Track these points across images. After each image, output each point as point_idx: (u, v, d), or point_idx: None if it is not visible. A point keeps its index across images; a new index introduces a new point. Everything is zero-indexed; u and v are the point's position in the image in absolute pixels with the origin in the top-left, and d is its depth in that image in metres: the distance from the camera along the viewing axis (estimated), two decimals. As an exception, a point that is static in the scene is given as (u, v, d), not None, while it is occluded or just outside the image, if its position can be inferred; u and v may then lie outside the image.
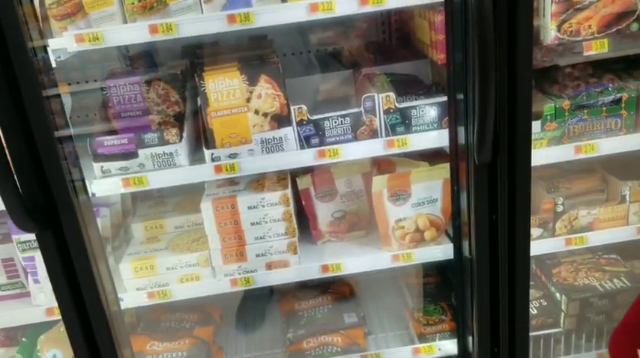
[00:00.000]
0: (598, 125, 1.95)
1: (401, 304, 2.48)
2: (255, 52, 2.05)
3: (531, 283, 1.98)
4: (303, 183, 2.15)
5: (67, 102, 2.00)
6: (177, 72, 2.02)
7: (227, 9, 1.73)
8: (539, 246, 2.08)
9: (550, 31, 1.79)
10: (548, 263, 2.44)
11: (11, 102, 1.52)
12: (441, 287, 2.43)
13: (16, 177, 1.54)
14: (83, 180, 1.78)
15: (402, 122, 1.92)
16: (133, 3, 1.74)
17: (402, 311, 2.43)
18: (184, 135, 1.91)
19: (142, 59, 2.27)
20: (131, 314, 2.39)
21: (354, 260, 2.09)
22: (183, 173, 1.90)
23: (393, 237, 2.09)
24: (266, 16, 1.71)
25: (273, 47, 2.11)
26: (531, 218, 1.80)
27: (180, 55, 2.28)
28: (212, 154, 1.89)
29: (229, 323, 2.53)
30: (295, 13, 1.71)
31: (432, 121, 1.92)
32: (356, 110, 1.91)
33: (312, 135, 1.92)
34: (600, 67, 2.07)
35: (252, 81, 1.86)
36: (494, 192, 1.74)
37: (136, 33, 1.70)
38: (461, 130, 1.79)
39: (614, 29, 1.81)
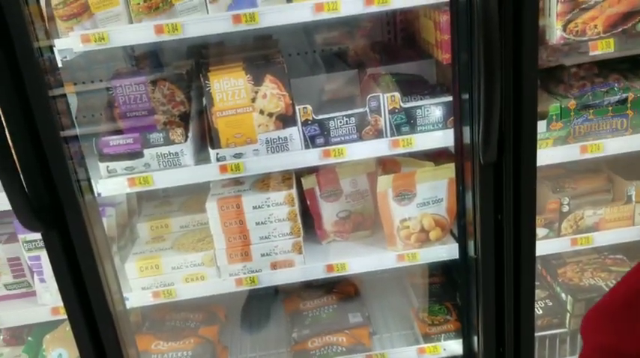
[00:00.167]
0: (604, 125, 1.94)
1: (406, 304, 2.48)
2: (260, 52, 2.06)
3: (537, 283, 1.98)
4: (308, 182, 2.15)
5: (73, 102, 2.01)
6: (183, 72, 2.03)
7: (232, 9, 1.74)
8: (544, 246, 2.08)
9: (555, 31, 1.79)
10: (553, 263, 2.43)
11: (17, 102, 1.53)
12: (446, 287, 2.43)
13: (22, 177, 1.55)
14: (89, 180, 1.79)
15: (407, 122, 1.92)
16: (139, 3, 1.75)
17: (407, 311, 2.43)
18: (190, 135, 1.91)
19: (147, 59, 2.27)
20: (136, 313, 2.40)
21: (359, 260, 2.09)
22: (188, 173, 1.91)
23: (398, 237, 2.09)
24: (271, 16, 1.71)
25: (278, 47, 2.11)
26: (537, 218, 1.80)
27: (186, 55, 2.28)
28: (217, 154, 1.89)
29: (234, 323, 2.54)
30: (300, 13, 1.71)
31: (437, 121, 1.92)
32: (361, 110, 1.91)
33: (317, 135, 1.92)
34: (606, 67, 2.07)
35: (258, 81, 1.87)
36: (500, 192, 1.74)
37: (142, 33, 1.71)
38: (466, 130, 1.79)
39: (620, 29, 1.81)
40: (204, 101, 1.90)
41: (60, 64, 1.68)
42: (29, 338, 2.23)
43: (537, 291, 2.23)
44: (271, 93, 1.88)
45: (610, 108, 1.93)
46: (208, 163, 1.91)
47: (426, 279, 2.49)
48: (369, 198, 2.21)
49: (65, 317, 1.80)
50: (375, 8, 1.72)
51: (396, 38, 2.52)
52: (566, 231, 2.11)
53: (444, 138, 1.93)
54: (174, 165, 1.90)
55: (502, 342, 1.95)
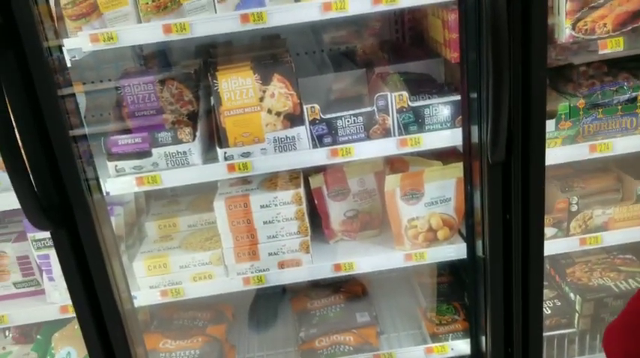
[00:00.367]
0: (613, 124, 1.93)
1: (413, 303, 2.48)
2: (268, 52, 2.06)
3: (545, 283, 1.97)
4: (315, 182, 2.15)
5: (82, 101, 2.02)
6: (191, 71, 2.04)
7: (240, 8, 1.74)
8: (553, 245, 2.07)
9: (565, 30, 1.78)
10: (562, 263, 2.42)
11: (27, 101, 1.54)
12: (453, 286, 2.42)
13: (31, 176, 1.56)
14: (97, 179, 1.80)
15: (415, 121, 1.91)
16: (147, 3, 1.75)
17: (415, 311, 2.43)
18: (198, 134, 1.91)
19: (155, 59, 2.28)
20: (144, 312, 2.40)
21: (366, 259, 2.09)
22: (196, 172, 1.91)
23: (406, 237, 2.08)
24: (279, 16, 1.71)
25: (286, 46, 2.11)
26: (545, 217, 1.80)
27: (194, 55, 2.29)
28: (225, 153, 1.90)
29: (242, 322, 2.54)
30: (308, 13, 1.71)
31: (445, 120, 1.91)
32: (369, 109, 1.91)
33: (325, 134, 1.92)
34: (615, 66, 2.06)
35: (265, 80, 1.87)
36: (508, 192, 1.73)
37: (150, 33, 1.72)
38: (474, 129, 1.78)
39: (630, 27, 1.80)
40: (212, 100, 1.90)
41: (69, 64, 1.69)
42: (38, 337, 2.25)
43: (546, 291, 2.23)
44: (279, 93, 1.88)
45: (619, 107, 1.92)
46: (216, 162, 1.91)
47: (433, 279, 2.48)
48: (376, 197, 2.20)
49: (74, 315, 1.80)
50: (382, 7, 1.72)
51: (404, 37, 2.51)
52: (574, 230, 2.10)
53: (452, 138, 1.92)
54: (182, 165, 1.91)
55: (510, 342, 1.94)
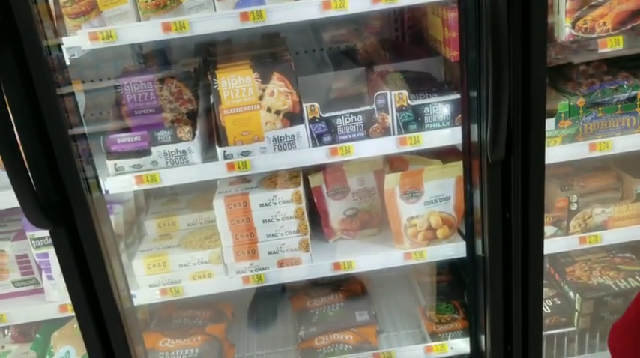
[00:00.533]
0: (613, 123, 1.93)
1: (413, 302, 2.48)
2: (267, 50, 2.06)
3: (545, 282, 1.97)
4: (315, 180, 2.15)
5: (81, 100, 2.02)
6: (190, 70, 2.03)
7: (240, 7, 1.73)
8: (552, 244, 2.07)
9: (564, 28, 1.78)
10: (561, 261, 2.42)
11: (26, 100, 1.54)
12: (453, 285, 2.42)
13: (30, 175, 1.55)
14: (97, 178, 1.80)
15: (415, 120, 1.91)
16: (147, 1, 1.75)
17: (414, 310, 2.42)
18: (197, 132, 1.91)
19: (155, 57, 2.28)
20: (144, 311, 2.40)
21: (366, 258, 2.09)
22: (195, 170, 1.91)
23: (405, 235, 2.08)
24: (278, 14, 1.70)
25: (285, 45, 2.11)
26: (545, 216, 1.79)
27: (193, 53, 2.29)
28: (224, 152, 1.89)
29: (241, 321, 2.54)
30: (308, 11, 1.71)
31: (445, 119, 1.91)
32: (368, 108, 1.91)
33: (325, 133, 1.92)
34: (615, 65, 2.06)
35: (265, 79, 1.86)
36: (508, 190, 1.73)
37: (150, 31, 1.71)
38: (474, 128, 1.78)
39: (629, 26, 1.80)
40: (212, 99, 1.90)
41: (68, 62, 1.69)
42: (37, 335, 2.25)
43: (545, 290, 2.22)
44: (278, 91, 1.88)
45: (619, 106, 1.92)
46: (215, 161, 1.91)
47: (433, 277, 2.48)
48: (376, 196, 2.20)
49: (73, 314, 1.80)
50: (382, 5, 1.72)
51: (403, 36, 2.51)
52: (574, 229, 2.10)
53: (451, 136, 1.92)
54: (182, 163, 1.90)
55: (510, 341, 1.94)
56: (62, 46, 1.67)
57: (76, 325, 1.81)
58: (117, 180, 1.87)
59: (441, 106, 1.91)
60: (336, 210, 2.19)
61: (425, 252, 2.07)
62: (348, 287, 2.48)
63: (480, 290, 1.96)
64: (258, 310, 2.56)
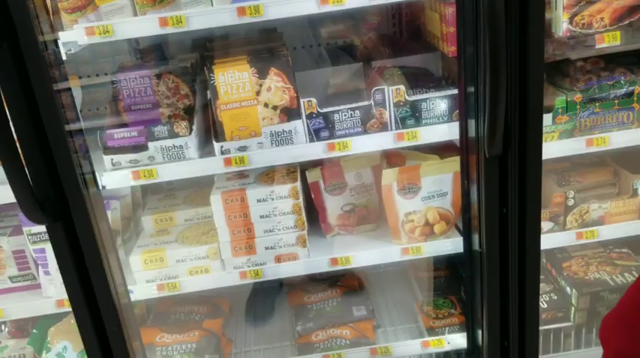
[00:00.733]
0: (610, 118, 1.93)
1: (410, 297, 2.48)
2: (265, 45, 2.05)
3: (541, 277, 1.97)
4: (312, 176, 2.15)
5: (78, 95, 2.01)
6: (188, 65, 2.03)
7: (237, 1, 1.73)
8: (549, 239, 2.07)
9: (562, 24, 1.78)
10: (558, 256, 2.43)
11: (22, 95, 1.53)
12: (450, 280, 2.43)
13: (26, 170, 1.55)
14: (93, 173, 1.79)
15: (412, 115, 1.91)
16: (143, -4, 1.74)
17: (412, 305, 2.43)
18: (194, 128, 1.91)
19: (152, 52, 2.27)
20: (141, 306, 2.40)
21: (363, 253, 2.09)
22: (193, 166, 1.91)
23: (403, 231, 2.08)
24: (276, 9, 1.70)
25: (283, 40, 2.11)
26: (542, 211, 1.80)
27: (191, 48, 2.28)
28: (222, 147, 1.89)
29: (238, 316, 2.54)
30: (305, 6, 1.71)
31: (443, 114, 1.91)
32: (366, 103, 1.91)
33: (322, 128, 1.92)
34: (612, 62, 2.05)
35: (262, 74, 1.86)
36: (505, 186, 1.73)
37: (146, 26, 1.71)
38: (471, 123, 1.78)
39: (627, 22, 1.80)
40: (209, 94, 1.89)
41: (64, 57, 1.68)
42: (34, 331, 2.24)
43: (542, 285, 2.23)
44: (276, 86, 1.87)
45: (616, 102, 1.92)
46: (213, 156, 1.91)
47: (430, 273, 2.49)
48: (373, 191, 2.20)
49: (70, 309, 1.80)
50: (380, 0, 1.71)
51: (401, 31, 2.51)
52: (571, 224, 2.11)
53: (449, 132, 1.92)
54: (179, 158, 1.90)
55: (506, 336, 1.95)
56: (58, 41, 1.66)
57: (73, 320, 1.81)
58: (114, 176, 1.87)
59: (438, 102, 1.90)
60: (333, 205, 2.19)
61: (422, 247, 2.07)
62: (346, 283, 2.48)
63: (476, 285, 1.97)
64: (255, 305, 2.57)
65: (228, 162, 1.90)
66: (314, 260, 2.09)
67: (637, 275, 2.25)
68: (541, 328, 2.02)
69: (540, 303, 2.19)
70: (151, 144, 1.88)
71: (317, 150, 1.92)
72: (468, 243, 2.02)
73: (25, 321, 2.31)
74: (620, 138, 1.93)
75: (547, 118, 1.87)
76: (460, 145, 1.92)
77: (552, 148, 1.90)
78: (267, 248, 2.08)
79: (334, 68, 2.26)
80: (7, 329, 2.36)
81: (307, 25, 2.41)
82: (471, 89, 1.72)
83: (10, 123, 1.51)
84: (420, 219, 2.07)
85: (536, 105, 1.63)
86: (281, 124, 1.90)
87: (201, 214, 2.27)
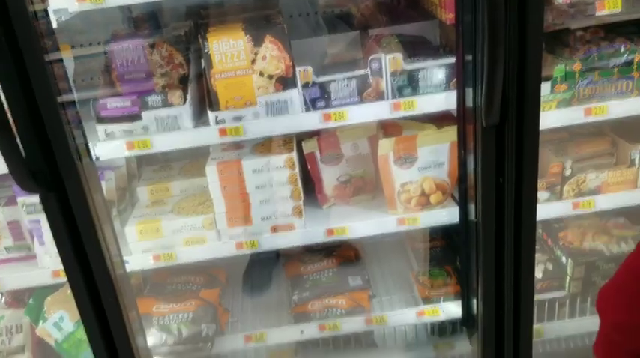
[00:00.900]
0: (609, 87, 1.91)
1: (406, 267, 2.49)
2: (260, 13, 2.01)
3: (537, 247, 1.98)
4: (308, 146, 2.14)
5: (71, 65, 1.98)
6: (181, 33, 2.00)
7: (230, -33, 1.69)
8: (545, 209, 2.07)
9: (562, -10, 1.75)
10: (554, 226, 2.43)
11: (13, 66, 1.50)
12: (446, 250, 2.43)
13: (18, 141, 1.53)
14: (87, 144, 1.77)
15: (409, 84, 1.89)
16: (135, -39, 1.70)
17: (407, 275, 2.44)
18: (188, 97, 1.89)
19: (145, 21, 2.23)
20: (137, 276, 2.41)
21: (359, 224, 2.09)
22: (187, 136, 1.89)
23: (399, 201, 2.08)
24: (270, -25, 1.66)
25: (278, 8, 2.07)
26: (539, 181, 1.79)
27: (185, 16, 2.24)
28: (216, 117, 1.87)
29: (235, 286, 2.55)
30: (301, -28, 1.67)
31: (440, 83, 1.89)
32: (362, 72, 1.88)
33: (318, 98, 1.89)
34: (612, 32, 2.03)
35: (257, 42, 1.83)
36: (502, 155, 1.72)
37: (138, -8, 1.67)
38: (469, 92, 1.76)
39: (628, -12, 1.77)
40: (203, 63, 1.86)
41: (55, 25, 1.65)
42: (30, 301, 2.25)
43: (537, 255, 2.23)
44: (271, 55, 1.84)
45: (615, 70, 1.90)
46: (207, 126, 1.89)
47: (426, 243, 2.49)
48: (370, 162, 2.19)
49: (66, 279, 1.80)
50: (377, -34, 1.68)
51: (398, -1, 2.47)
52: (567, 194, 2.10)
53: (446, 101, 1.90)
54: (173, 128, 1.88)
55: (501, 305, 1.96)
56: (49, 9, 1.62)
57: (69, 290, 1.81)
58: (107, 146, 1.85)
59: (435, 70, 1.88)
60: (329, 176, 2.18)
61: (418, 217, 2.07)
62: (342, 253, 2.49)
63: (472, 255, 1.97)
64: (252, 276, 2.58)
65: (223, 132, 1.88)
66: (310, 230, 2.09)
67: (633, 245, 2.26)
68: (536, 297, 2.03)
69: (535, 273, 2.19)
70: (144, 114, 1.86)
71: (313, 120, 1.90)
72: (464, 213, 2.01)
73: (21, 291, 2.31)
74: (618, 108, 1.91)
75: (545, 87, 1.85)
76: (457, 115, 1.89)
77: (550, 118, 1.89)
78: (263, 218, 2.07)
79: (331, 37, 2.23)
80: (3, 300, 2.37)
81: (304, -8, 2.37)
82: (469, 57, 1.69)
83: (1, 93, 1.49)
84: (417, 190, 2.06)
85: (535, 73, 1.60)
86: (276, 94, 1.88)
87: (197, 185, 2.26)
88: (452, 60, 1.85)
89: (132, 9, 2.24)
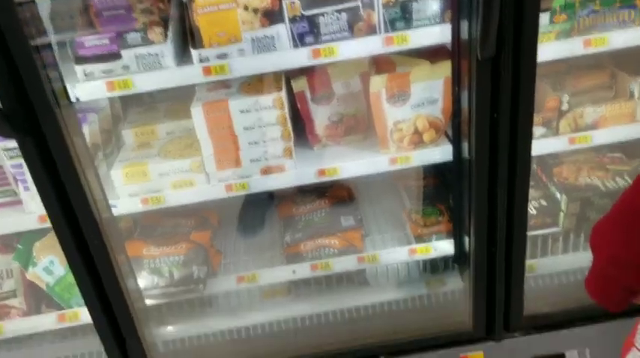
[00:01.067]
0: (610, 17, 1.83)
1: (398, 206, 2.47)
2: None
3: (531, 183, 1.95)
4: (298, 85, 2.07)
5: (46, 6, 1.88)
6: (160, -36, 1.89)
7: None
8: (541, 145, 2.02)
9: None
10: (549, 162, 2.40)
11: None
12: (438, 189, 2.40)
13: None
14: (64, 86, 1.70)
15: (402, 16, 1.80)
16: None
17: (400, 214, 2.42)
18: (169, 34, 1.80)
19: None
20: (127, 220, 2.38)
21: (350, 164, 2.04)
22: (170, 75, 1.81)
23: (391, 140, 2.03)
24: None
25: None
26: (534, 116, 1.74)
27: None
28: (200, 55, 1.79)
29: (228, 228, 2.53)
30: None
31: (434, 15, 1.80)
32: (353, 4, 1.79)
33: (306, 33, 1.81)
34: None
35: (240, -28, 1.73)
36: (497, 90, 1.66)
37: None
38: (464, 24, 1.68)
39: None
40: (185, -3, 1.77)
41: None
42: (19, 246, 2.22)
43: (531, 191, 2.20)
44: (256, -13, 1.75)
45: (618, -2, 1.81)
46: (191, 65, 1.81)
47: (419, 182, 2.46)
48: (362, 100, 2.13)
49: (53, 224, 1.77)
50: None
51: None
52: (564, 129, 2.05)
53: (440, 34, 1.81)
54: (155, 68, 1.80)
55: (494, 242, 1.95)
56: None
57: (57, 235, 1.79)
58: (87, 87, 1.77)
59: (429, 2, 1.78)
60: (320, 115, 2.12)
61: (411, 156, 2.02)
62: (334, 194, 2.46)
63: (465, 192, 1.94)
64: (245, 218, 2.56)
65: (207, 70, 1.80)
66: (301, 171, 2.05)
67: (629, 180, 2.24)
68: (529, 233, 2.02)
69: (529, 209, 2.17)
70: (124, 53, 1.77)
71: (301, 57, 1.82)
72: (457, 150, 1.97)
73: (10, 237, 2.28)
74: (619, 38, 1.84)
75: (544, 17, 1.77)
76: (452, 49, 1.82)
77: (548, 50, 1.81)
78: (252, 160, 2.02)
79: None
80: (-8, 245, 2.34)
81: None
82: (465, -14, 1.61)
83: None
84: (409, 128, 2.01)
85: (533, 2, 1.53)
86: (262, 29, 1.79)
87: (184, 127, 2.20)
88: (446, -11, 1.76)
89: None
